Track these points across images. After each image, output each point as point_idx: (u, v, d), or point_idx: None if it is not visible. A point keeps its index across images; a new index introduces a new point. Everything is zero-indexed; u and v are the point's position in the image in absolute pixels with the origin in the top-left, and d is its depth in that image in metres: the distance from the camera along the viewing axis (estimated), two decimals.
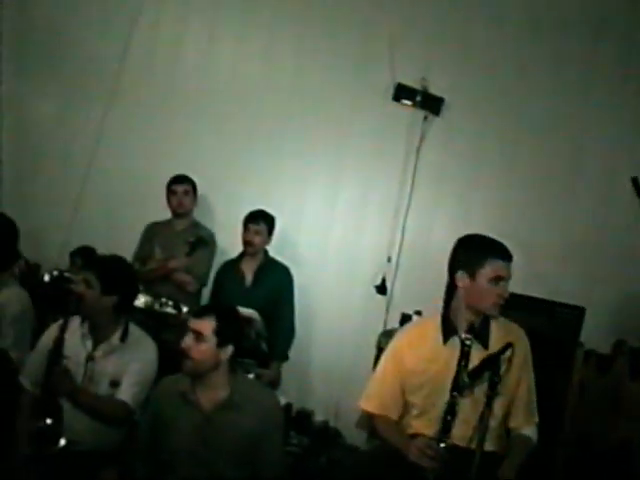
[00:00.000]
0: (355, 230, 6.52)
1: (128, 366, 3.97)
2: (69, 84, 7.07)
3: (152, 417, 3.70)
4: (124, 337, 4.04)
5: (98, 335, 4.03)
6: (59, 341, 3.89)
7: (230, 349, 3.58)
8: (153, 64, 6.97)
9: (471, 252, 3.61)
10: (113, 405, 3.92)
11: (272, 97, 6.73)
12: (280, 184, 6.65)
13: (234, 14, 6.88)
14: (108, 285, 3.98)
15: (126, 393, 3.92)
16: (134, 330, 4.13)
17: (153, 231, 6.18)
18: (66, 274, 5.09)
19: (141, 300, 5.07)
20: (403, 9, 6.38)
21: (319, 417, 6.29)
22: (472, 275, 3.55)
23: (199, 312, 3.71)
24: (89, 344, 4.01)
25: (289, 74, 6.72)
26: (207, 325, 3.55)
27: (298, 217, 6.60)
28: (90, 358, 3.97)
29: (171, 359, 3.76)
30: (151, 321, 5.06)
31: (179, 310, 5.11)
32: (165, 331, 4.97)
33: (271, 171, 6.69)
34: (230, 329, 3.61)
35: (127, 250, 5.71)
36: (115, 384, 3.94)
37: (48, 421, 3.79)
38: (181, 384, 3.64)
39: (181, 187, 6.08)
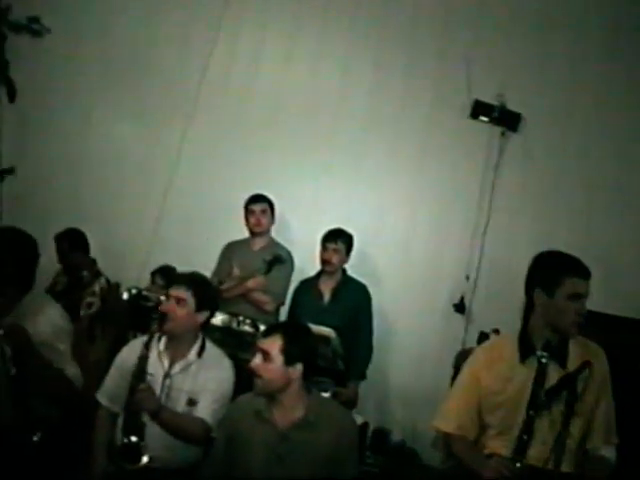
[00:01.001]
0: (433, 248, 6.49)
1: (205, 384, 4.00)
2: (149, 105, 7.21)
3: (227, 435, 3.70)
4: (201, 353, 4.08)
5: (175, 352, 4.08)
6: (144, 359, 3.94)
7: (299, 367, 3.56)
8: (230, 85, 7.06)
9: (549, 270, 3.55)
10: (193, 423, 3.94)
11: (349, 115, 6.77)
12: (358, 202, 6.68)
13: (311, 33, 6.94)
14: (202, 302, 4.07)
15: (204, 411, 3.94)
16: (210, 347, 4.17)
17: (231, 250, 6.20)
18: (144, 292, 5.15)
19: (218, 318, 5.08)
20: (479, 25, 6.37)
21: (396, 437, 6.25)
22: (550, 293, 3.49)
23: (266, 331, 3.72)
24: (166, 361, 4.06)
25: (366, 92, 6.74)
26: (274, 344, 3.56)
27: (376, 235, 6.59)
28: (167, 375, 4.00)
29: (248, 378, 3.74)
30: (229, 339, 5.09)
31: (256, 329, 5.09)
32: (242, 350, 4.99)
33: (349, 189, 6.73)
34: (298, 347, 3.59)
35: (204, 269, 5.77)
36: (192, 402, 3.98)
37: (133, 439, 3.83)
38: (256, 403, 3.64)
39: (258, 206, 6.08)
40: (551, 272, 3.53)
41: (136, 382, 3.88)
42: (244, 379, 3.98)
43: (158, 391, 3.96)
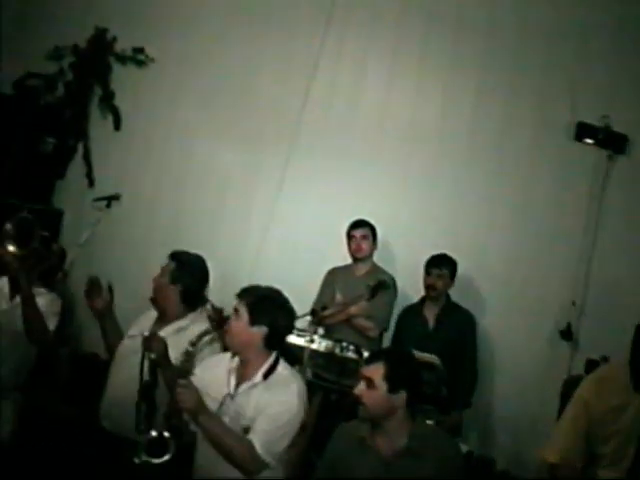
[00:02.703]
0: (539, 273, 6.37)
1: (265, 408, 3.71)
2: (251, 132, 7.28)
3: (330, 462, 3.69)
4: (268, 374, 3.80)
5: (244, 372, 3.85)
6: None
7: (403, 394, 3.53)
8: (331, 110, 7.09)
9: None
10: (238, 441, 3.65)
11: (451, 140, 6.71)
12: (462, 227, 6.59)
13: (411, 59, 6.92)
14: (256, 316, 3.82)
15: (255, 436, 3.65)
16: (283, 369, 3.89)
17: (334, 276, 6.23)
18: None
19: (322, 344, 5.11)
20: (582, 46, 6.27)
21: (500, 466, 6.12)
22: None
23: (369, 358, 3.71)
24: (233, 380, 3.84)
25: (468, 116, 6.68)
26: (377, 371, 3.54)
27: (480, 261, 6.49)
28: (230, 396, 3.80)
29: (352, 404, 3.73)
30: (332, 365, 5.10)
31: (360, 355, 5.08)
32: (346, 376, 4.98)
33: (453, 214, 6.65)
34: (401, 374, 3.57)
35: (307, 294, 5.82)
36: (247, 430, 3.70)
37: (166, 434, 3.62)
38: (360, 430, 3.64)
39: (359, 232, 6.10)
40: None
41: (179, 377, 3.69)
42: (348, 405, 3.96)
43: (215, 409, 3.76)
